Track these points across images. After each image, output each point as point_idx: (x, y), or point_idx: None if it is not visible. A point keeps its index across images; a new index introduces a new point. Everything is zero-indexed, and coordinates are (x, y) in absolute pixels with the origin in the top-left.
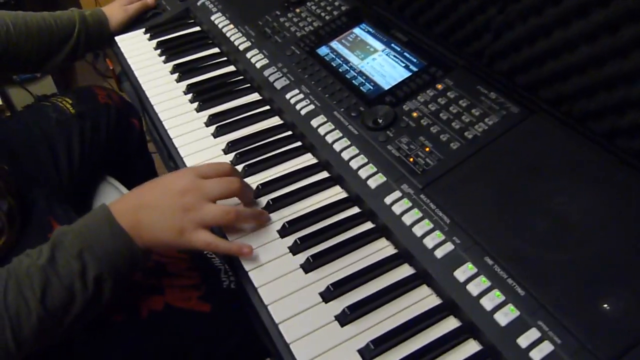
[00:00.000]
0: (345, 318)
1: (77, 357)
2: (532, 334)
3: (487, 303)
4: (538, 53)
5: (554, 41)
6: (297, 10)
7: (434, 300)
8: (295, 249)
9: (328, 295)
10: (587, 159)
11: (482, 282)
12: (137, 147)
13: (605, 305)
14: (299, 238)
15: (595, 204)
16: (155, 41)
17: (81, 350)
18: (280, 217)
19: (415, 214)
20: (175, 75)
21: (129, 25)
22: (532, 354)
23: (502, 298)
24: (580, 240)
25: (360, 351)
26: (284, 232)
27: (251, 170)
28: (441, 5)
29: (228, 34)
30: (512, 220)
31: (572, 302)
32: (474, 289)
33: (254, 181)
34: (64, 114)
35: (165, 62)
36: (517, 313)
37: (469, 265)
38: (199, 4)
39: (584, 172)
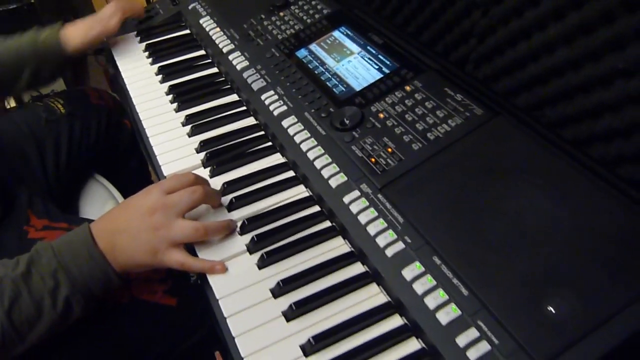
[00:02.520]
0: (291, 314)
1: (41, 349)
2: (471, 334)
3: (431, 302)
4: (510, 56)
5: (527, 45)
6: (281, 14)
7: (381, 299)
8: (252, 247)
9: (277, 291)
10: (545, 163)
11: (428, 282)
12: (128, 147)
13: (550, 308)
14: (256, 235)
15: (548, 208)
16: (144, 44)
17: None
18: (243, 214)
19: (371, 213)
20: (160, 77)
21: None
22: (469, 353)
23: (446, 297)
24: (530, 243)
25: (302, 346)
26: (242, 229)
27: (220, 169)
28: (414, 5)
29: (214, 37)
30: (464, 222)
31: (515, 304)
32: (419, 287)
33: (222, 180)
34: (54, 114)
35: (152, 63)
36: (458, 313)
37: (417, 264)
38: (190, 7)
39: (540, 176)
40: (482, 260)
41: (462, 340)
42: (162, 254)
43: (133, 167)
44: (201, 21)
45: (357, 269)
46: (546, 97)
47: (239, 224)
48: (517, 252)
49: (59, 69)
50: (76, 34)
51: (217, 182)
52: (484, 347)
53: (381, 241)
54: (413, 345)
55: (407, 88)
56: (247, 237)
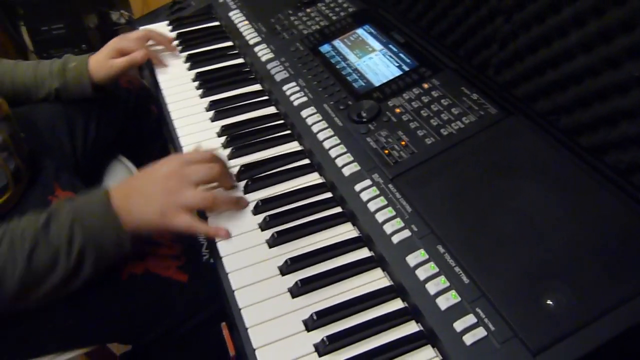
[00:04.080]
0: (297, 290)
1: (57, 310)
2: (469, 319)
3: (432, 287)
4: (530, 62)
5: (548, 52)
6: (308, 10)
7: (384, 282)
8: (264, 226)
9: (285, 269)
10: (554, 163)
11: (430, 268)
12: (153, 132)
13: (548, 301)
14: (269, 215)
15: (552, 205)
16: (175, 32)
17: (63, 305)
18: (256, 197)
19: (381, 201)
20: (188, 64)
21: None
22: (465, 337)
23: (447, 284)
24: (532, 238)
25: (305, 321)
26: (256, 210)
27: (238, 152)
28: (439, 9)
29: (242, 29)
30: (470, 214)
31: (514, 294)
32: (422, 273)
33: (239, 163)
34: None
35: (181, 51)
36: (458, 299)
37: (422, 252)
38: (220, 0)
39: (547, 175)
40: (484, 251)
41: (459, 325)
42: (171, 215)
43: (156, 152)
44: (230, 14)
45: (364, 253)
46: (563, 103)
47: (252, 205)
48: (519, 245)
49: (82, 96)
50: (102, 64)
51: (235, 164)
52: (480, 332)
53: (388, 228)
54: (412, 327)
55: (425, 85)
56: (259, 217)
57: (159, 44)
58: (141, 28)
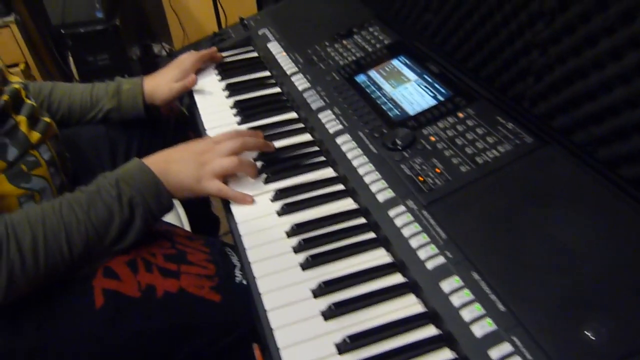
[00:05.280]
0: (329, 313)
1: (97, 324)
2: (505, 348)
3: (467, 314)
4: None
5: (584, 85)
6: (344, 42)
7: (418, 308)
8: (298, 248)
9: (318, 291)
10: (592, 193)
11: (465, 295)
12: None
13: (586, 332)
14: (303, 239)
15: (591, 235)
16: (216, 62)
17: (100, 319)
18: (291, 220)
19: (415, 227)
20: (227, 92)
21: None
22: None
23: (482, 312)
24: (570, 267)
25: (337, 344)
26: (291, 232)
27: (274, 177)
28: (473, 43)
29: (279, 60)
30: (506, 242)
31: (551, 324)
32: (456, 300)
33: (274, 187)
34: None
35: (220, 80)
36: (494, 327)
37: (456, 278)
38: (260, 32)
39: (585, 203)
40: (520, 279)
41: (495, 353)
42: (205, 181)
43: None
44: (269, 45)
45: (397, 278)
46: (600, 134)
47: (287, 227)
48: (555, 274)
49: (133, 116)
50: (164, 87)
51: (270, 189)
52: None
53: (422, 254)
54: (445, 354)
55: (460, 114)
56: (294, 240)
57: (210, 60)
58: (190, 52)
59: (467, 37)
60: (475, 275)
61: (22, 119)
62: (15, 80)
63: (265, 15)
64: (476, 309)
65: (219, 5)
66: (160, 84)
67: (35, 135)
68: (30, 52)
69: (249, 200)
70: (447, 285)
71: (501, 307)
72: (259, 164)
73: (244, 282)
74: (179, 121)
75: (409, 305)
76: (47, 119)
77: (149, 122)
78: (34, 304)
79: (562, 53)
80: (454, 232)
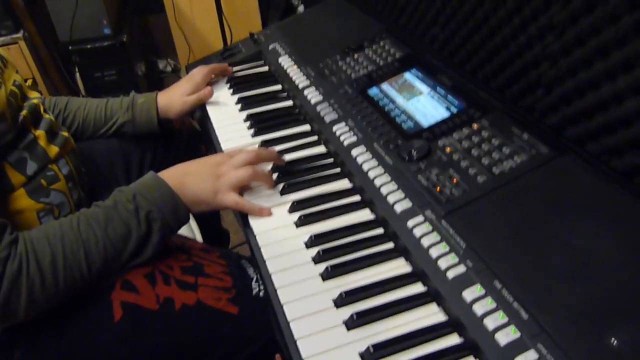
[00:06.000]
0: (352, 323)
1: (116, 337)
2: (530, 355)
3: (490, 323)
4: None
5: (595, 96)
6: (356, 55)
7: (440, 317)
8: (317, 259)
9: (340, 301)
10: (611, 201)
11: (488, 304)
12: None
13: (612, 340)
14: (322, 250)
15: (611, 242)
16: (226, 76)
17: (119, 332)
18: (309, 231)
19: (434, 237)
20: (239, 106)
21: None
22: None
23: (506, 319)
24: (593, 275)
25: (361, 354)
26: (310, 243)
27: (290, 189)
28: (482, 55)
29: (291, 74)
30: (526, 250)
31: (576, 331)
32: (479, 309)
33: (291, 199)
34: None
35: (232, 94)
36: (518, 334)
37: (478, 287)
38: (270, 47)
39: (604, 211)
40: (543, 287)
41: None
42: (221, 194)
43: None
44: (280, 59)
45: (418, 288)
46: (614, 145)
47: (306, 238)
48: (579, 281)
49: (147, 130)
50: (177, 101)
51: (286, 200)
52: None
53: (443, 263)
54: None
55: (474, 126)
56: (313, 251)
57: (221, 74)
58: (201, 66)
59: (475, 50)
60: (497, 284)
61: (40, 133)
62: (34, 96)
63: (274, 30)
64: (500, 317)
65: (224, 22)
66: (173, 98)
67: (53, 150)
68: (38, 68)
69: (265, 213)
70: (469, 294)
71: (524, 315)
72: (274, 176)
73: (261, 294)
74: (191, 135)
75: (431, 315)
76: (65, 133)
77: (161, 136)
78: (53, 317)
79: (573, 65)
80: (474, 241)
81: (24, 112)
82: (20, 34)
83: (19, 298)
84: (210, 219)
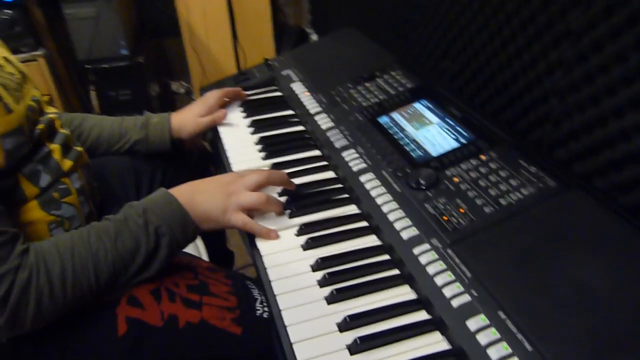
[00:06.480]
0: (355, 347)
1: (119, 352)
2: None
3: (494, 353)
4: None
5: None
6: (367, 84)
7: (443, 346)
8: (323, 282)
9: (344, 325)
10: (617, 236)
11: (492, 334)
12: None
13: None
14: (328, 273)
15: (618, 278)
16: (240, 100)
17: (123, 346)
18: (315, 254)
19: (440, 265)
20: (251, 129)
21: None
22: None
23: (509, 351)
24: (596, 309)
25: None
26: (316, 266)
27: (298, 212)
28: (492, 89)
29: (303, 100)
30: (531, 282)
31: None
32: (483, 338)
33: (298, 222)
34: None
35: (245, 117)
36: None
37: (482, 316)
38: (283, 73)
39: (611, 247)
40: (547, 320)
41: None
42: (230, 213)
43: None
44: (292, 85)
45: (421, 315)
46: (621, 182)
47: (312, 261)
48: (583, 315)
49: (160, 149)
50: (190, 121)
51: (294, 223)
52: None
53: (448, 292)
54: None
55: (482, 157)
56: (318, 274)
57: (234, 98)
58: (215, 90)
59: (485, 84)
60: (502, 314)
61: (55, 147)
62: (51, 111)
63: (288, 57)
64: (503, 348)
65: (238, 47)
66: (186, 119)
67: (67, 163)
68: (55, 85)
69: (273, 236)
70: (473, 323)
71: (528, 347)
72: (283, 199)
73: (265, 315)
74: (202, 156)
75: (434, 343)
76: (79, 148)
77: (172, 156)
78: (59, 329)
79: (581, 101)
80: (480, 271)
81: (40, 126)
82: (40, 52)
83: (27, 307)
84: (216, 239)
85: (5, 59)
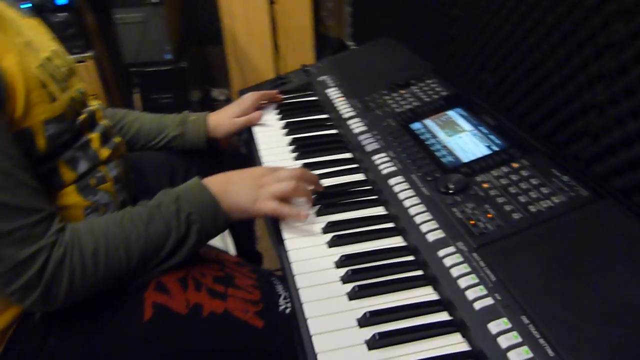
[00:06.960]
0: (373, 343)
1: (144, 336)
2: None
3: (515, 357)
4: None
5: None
6: (402, 91)
7: (463, 347)
8: (346, 279)
9: (364, 321)
10: None
11: (513, 338)
12: None
13: None
14: (351, 270)
15: None
16: (276, 103)
17: (147, 331)
18: (340, 252)
19: (464, 268)
20: (285, 130)
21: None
22: None
23: (530, 355)
24: (623, 319)
25: None
26: (340, 263)
27: (326, 210)
28: (531, 102)
29: (337, 104)
30: (558, 289)
31: None
32: (504, 342)
33: (326, 220)
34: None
35: (280, 119)
36: None
37: (504, 320)
38: (319, 79)
39: None
40: (571, 327)
41: None
42: (260, 202)
43: None
44: (328, 91)
45: (443, 316)
46: None
47: (336, 258)
48: (608, 324)
49: (195, 147)
50: (226, 122)
51: (321, 220)
52: None
53: (470, 294)
54: None
55: (514, 165)
56: (342, 271)
57: (271, 101)
58: (251, 92)
59: (525, 96)
60: (525, 319)
61: (95, 136)
62: (95, 104)
63: (326, 64)
64: (524, 352)
65: (279, 57)
66: (223, 118)
67: (105, 152)
68: (102, 86)
69: (303, 214)
70: (495, 326)
71: (550, 352)
72: (312, 197)
73: (287, 311)
74: (235, 156)
75: (454, 344)
76: (117, 139)
77: (207, 154)
78: (87, 309)
79: (621, 115)
80: (504, 275)
81: (82, 116)
82: (89, 54)
83: (60, 283)
84: (246, 239)
85: (55, 52)
